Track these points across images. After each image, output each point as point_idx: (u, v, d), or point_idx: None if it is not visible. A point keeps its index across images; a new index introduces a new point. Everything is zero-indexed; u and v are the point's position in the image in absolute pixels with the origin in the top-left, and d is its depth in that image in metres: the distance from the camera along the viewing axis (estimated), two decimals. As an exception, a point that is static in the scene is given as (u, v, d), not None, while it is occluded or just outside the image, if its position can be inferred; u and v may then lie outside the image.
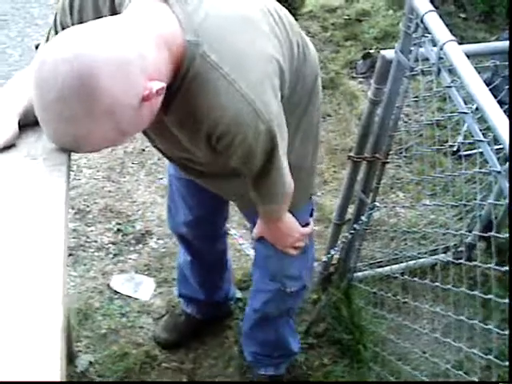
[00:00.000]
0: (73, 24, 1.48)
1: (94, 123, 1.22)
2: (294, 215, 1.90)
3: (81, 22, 1.39)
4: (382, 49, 4.27)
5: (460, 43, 1.76)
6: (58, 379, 0.94)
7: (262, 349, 2.49)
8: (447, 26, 1.82)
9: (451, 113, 2.00)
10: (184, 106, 1.38)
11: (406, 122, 3.72)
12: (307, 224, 2.03)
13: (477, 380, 2.10)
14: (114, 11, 1.41)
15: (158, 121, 1.38)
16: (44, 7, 4.98)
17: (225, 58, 1.32)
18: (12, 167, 1.38)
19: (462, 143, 3.20)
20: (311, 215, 2.09)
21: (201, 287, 2.59)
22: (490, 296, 1.75)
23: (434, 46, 1.82)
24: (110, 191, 3.39)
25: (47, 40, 1.57)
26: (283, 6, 1.67)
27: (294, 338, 2.54)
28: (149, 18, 1.30)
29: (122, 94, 1.21)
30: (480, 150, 1.65)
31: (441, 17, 1.86)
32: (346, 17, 5.03)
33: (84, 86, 1.17)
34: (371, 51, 4.49)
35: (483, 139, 1.61)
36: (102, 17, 1.33)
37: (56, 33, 1.53)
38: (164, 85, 1.28)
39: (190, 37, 1.30)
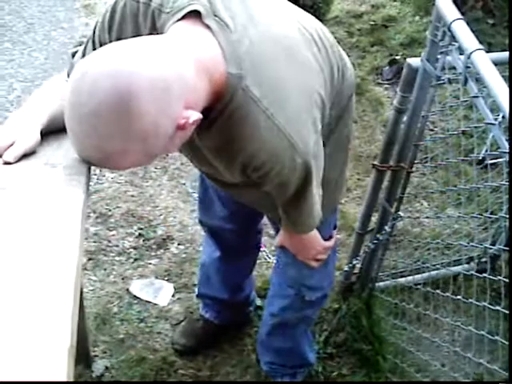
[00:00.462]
0: (111, 41, 1.47)
1: (126, 144, 1.20)
2: (317, 228, 1.87)
3: (120, 39, 1.37)
4: (408, 55, 4.26)
5: (488, 49, 1.73)
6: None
7: (278, 358, 2.48)
8: (475, 32, 1.78)
9: (477, 122, 1.97)
10: (221, 135, 1.36)
11: (431, 130, 3.68)
12: (330, 237, 2.01)
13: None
14: (154, 32, 1.39)
15: (190, 142, 1.37)
16: (70, 11, 5.01)
17: (266, 92, 1.31)
18: (31, 174, 1.36)
19: (488, 153, 3.15)
20: (335, 228, 2.07)
21: (224, 286, 2.57)
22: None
23: (461, 54, 1.79)
24: (132, 196, 3.39)
25: (84, 52, 1.56)
26: (309, 12, 1.64)
27: (311, 348, 2.52)
28: (192, 43, 1.27)
29: (160, 119, 1.19)
30: (505, 159, 1.62)
31: (468, 23, 1.83)
32: (372, 22, 5.00)
33: (123, 105, 1.15)
34: (397, 57, 4.47)
35: (509, 151, 1.57)
36: (141, 33, 1.32)
37: (94, 47, 1.52)
38: (200, 116, 1.26)
39: (233, 69, 1.28)
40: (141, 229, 3.21)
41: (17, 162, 1.40)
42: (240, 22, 1.33)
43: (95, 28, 1.53)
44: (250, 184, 1.55)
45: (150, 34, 1.38)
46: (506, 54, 2.11)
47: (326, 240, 1.96)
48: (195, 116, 1.24)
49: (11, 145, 1.42)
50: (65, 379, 0.92)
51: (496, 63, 1.68)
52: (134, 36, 1.37)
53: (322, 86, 1.47)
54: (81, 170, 1.37)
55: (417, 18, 5.04)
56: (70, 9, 5.03)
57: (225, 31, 1.29)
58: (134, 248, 3.12)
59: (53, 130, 1.48)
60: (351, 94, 1.78)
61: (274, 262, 2.30)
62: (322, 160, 1.55)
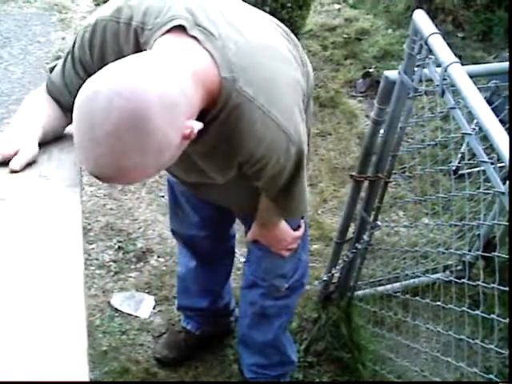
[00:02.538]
0: (92, 61, 1.51)
1: (142, 159, 1.23)
2: (286, 220, 1.98)
3: (102, 59, 1.45)
4: (381, 67, 4.31)
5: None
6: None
7: (261, 357, 2.50)
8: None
9: (454, 132, 2.02)
10: (219, 136, 1.42)
11: (406, 142, 3.74)
12: (299, 226, 2.09)
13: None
14: (137, 49, 1.42)
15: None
16: (46, 25, 5.01)
17: (258, 90, 1.37)
18: (28, 186, 1.39)
19: (461, 162, 3.21)
20: (302, 217, 2.12)
21: (203, 295, 2.60)
22: (492, 316, 1.76)
23: (438, 66, 1.84)
24: (111, 209, 3.40)
25: (63, 68, 1.59)
26: (285, 25, 1.71)
27: (291, 346, 2.56)
28: (182, 55, 1.32)
29: (170, 133, 1.23)
30: (481, 168, 1.67)
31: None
32: (346, 35, 5.07)
33: (138, 123, 1.17)
34: (370, 70, 4.53)
35: (487, 160, 1.62)
36: (124, 56, 1.32)
37: (74, 66, 1.56)
38: (202, 125, 1.30)
39: (226, 73, 1.34)
40: (120, 242, 3.23)
41: (12, 173, 1.43)
42: (222, 29, 1.38)
43: (74, 46, 1.55)
44: (239, 181, 1.62)
45: (135, 51, 1.40)
46: (480, 66, 2.18)
47: (294, 230, 2.05)
48: (198, 125, 1.29)
49: (15, 154, 1.46)
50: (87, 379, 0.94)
51: (471, 76, 1.74)
52: (116, 55, 1.42)
53: (300, 77, 1.55)
54: (75, 180, 1.40)
55: (389, 30, 5.13)
56: (46, 23, 5.04)
57: (211, 39, 1.35)
58: (114, 261, 3.13)
59: (43, 143, 1.53)
60: (311, 94, 1.85)
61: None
62: (306, 146, 1.61)
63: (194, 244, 2.45)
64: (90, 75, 1.25)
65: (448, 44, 1.84)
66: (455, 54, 1.78)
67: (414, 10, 2.00)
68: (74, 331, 1.05)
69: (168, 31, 1.37)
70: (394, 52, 4.77)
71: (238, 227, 2.47)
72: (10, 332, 1.03)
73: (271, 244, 2.07)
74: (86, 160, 1.26)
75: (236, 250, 2.61)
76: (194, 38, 1.35)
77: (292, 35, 1.68)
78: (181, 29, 1.36)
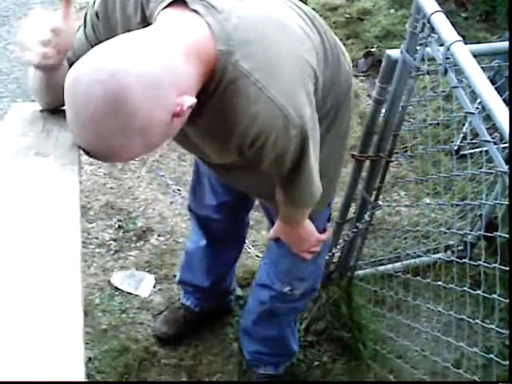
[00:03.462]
0: (100, 32, 1.51)
1: (127, 140, 1.25)
2: (312, 221, 1.90)
3: (110, 30, 1.45)
4: (383, 47, 4.27)
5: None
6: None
7: (262, 346, 2.50)
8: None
9: (454, 112, 2.01)
10: (215, 114, 1.39)
11: (408, 122, 3.72)
12: (324, 229, 2.04)
13: (476, 379, 2.11)
14: (144, 21, 1.41)
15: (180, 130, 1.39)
16: (45, 3, 4.96)
17: (256, 65, 1.33)
18: (25, 164, 1.37)
19: (463, 142, 3.20)
20: (328, 220, 2.09)
21: (207, 275, 2.59)
22: (493, 296, 1.76)
23: (441, 45, 1.82)
24: (111, 188, 3.39)
25: (82, 37, 1.56)
26: None
27: (295, 337, 2.55)
28: (178, 29, 1.30)
29: (155, 112, 1.23)
30: (484, 148, 1.66)
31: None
32: (348, 15, 5.02)
33: (116, 107, 1.19)
34: (372, 50, 4.50)
35: (490, 139, 1.61)
36: (131, 28, 1.35)
37: (86, 35, 1.54)
38: (195, 100, 1.28)
39: (222, 46, 1.30)
40: (120, 221, 3.22)
41: (6, 152, 1.41)
42: (227, 2, 1.36)
43: (86, 15, 1.54)
44: (247, 165, 1.57)
45: (142, 23, 1.41)
46: (483, 46, 2.17)
47: (320, 233, 1.98)
48: (190, 101, 1.26)
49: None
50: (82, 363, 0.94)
51: (474, 55, 1.72)
52: (124, 27, 1.43)
53: (314, 60, 1.48)
54: (73, 159, 1.38)
55: (392, 10, 5.08)
56: (45, 1, 4.99)
57: (212, 12, 1.32)
58: (114, 240, 3.13)
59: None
60: (348, 87, 1.81)
61: (254, 252, 2.31)
62: (318, 135, 1.55)
63: (207, 224, 2.44)
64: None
65: (451, 24, 1.82)
66: (458, 34, 1.76)
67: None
68: (70, 312, 1.03)
69: (170, 5, 1.35)
70: (396, 32, 4.72)
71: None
72: (4, 312, 1.02)
73: (293, 243, 1.99)
74: (77, 140, 1.30)
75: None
76: (196, 11, 1.33)
77: (317, 19, 1.63)
78: (183, 2, 1.34)
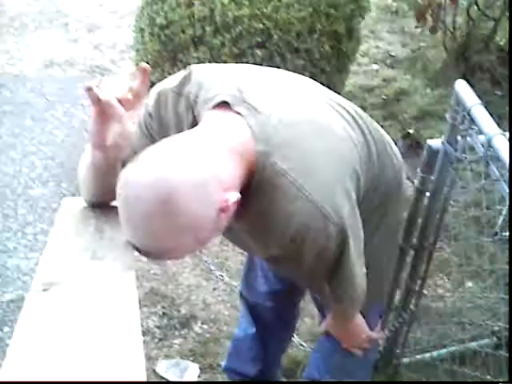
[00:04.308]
0: (154, 131, 1.57)
1: (178, 239, 1.30)
2: (363, 315, 1.89)
3: (164, 130, 1.52)
4: (421, 128, 4.28)
5: (498, 121, 1.79)
6: None
7: None
8: (484, 104, 1.86)
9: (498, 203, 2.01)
10: (256, 211, 1.42)
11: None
12: (376, 326, 2.02)
13: None
14: (194, 122, 1.48)
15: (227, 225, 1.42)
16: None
17: (293, 165, 1.37)
18: (81, 270, 1.40)
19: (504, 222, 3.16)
20: (380, 316, 2.08)
21: (255, 363, 2.56)
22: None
23: (481, 135, 1.84)
24: (155, 274, 3.41)
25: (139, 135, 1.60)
26: (324, 86, 1.69)
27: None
28: (222, 130, 1.37)
29: (201, 210, 1.28)
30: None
31: (479, 97, 1.91)
32: (385, 96, 5.09)
33: (165, 210, 1.25)
34: (410, 131, 4.53)
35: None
36: (182, 128, 1.45)
37: (141, 132, 1.58)
38: (239, 196, 1.33)
39: (261, 147, 1.36)
40: (164, 307, 3.23)
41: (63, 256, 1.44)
42: (269, 103, 1.43)
43: (140, 116, 1.60)
44: (291, 259, 1.56)
45: (193, 122, 1.48)
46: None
47: (371, 328, 1.96)
48: (234, 196, 1.31)
49: None
50: None
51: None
52: (176, 127, 1.51)
53: (355, 160, 1.51)
54: (129, 264, 1.41)
55: (428, 90, 5.13)
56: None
57: (253, 114, 1.39)
58: (158, 327, 3.13)
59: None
60: (398, 178, 1.81)
61: (298, 341, 2.26)
62: (360, 231, 1.56)
63: (258, 312, 2.43)
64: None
65: (487, 102, 1.84)
66: (495, 113, 1.78)
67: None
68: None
69: (216, 106, 1.43)
70: (433, 112, 4.76)
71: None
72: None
73: (343, 338, 1.98)
74: (134, 241, 1.34)
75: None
76: (238, 113, 1.40)
77: (361, 117, 1.65)
78: (227, 104, 1.41)
